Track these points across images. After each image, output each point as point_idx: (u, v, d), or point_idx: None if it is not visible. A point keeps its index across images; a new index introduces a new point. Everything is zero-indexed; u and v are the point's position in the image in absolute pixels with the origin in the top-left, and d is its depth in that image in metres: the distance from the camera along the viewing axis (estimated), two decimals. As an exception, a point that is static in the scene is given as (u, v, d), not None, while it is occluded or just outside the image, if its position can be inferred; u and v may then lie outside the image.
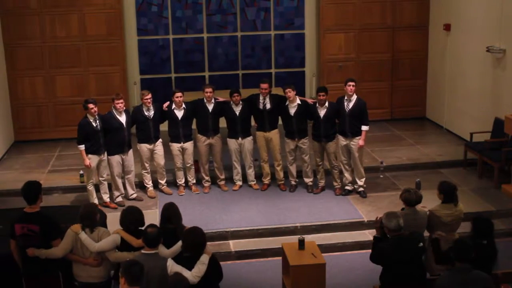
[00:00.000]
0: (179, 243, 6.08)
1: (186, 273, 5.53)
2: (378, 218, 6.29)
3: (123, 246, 6.17)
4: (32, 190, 6.31)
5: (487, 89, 11.03)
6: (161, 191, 10.05)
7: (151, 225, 5.88)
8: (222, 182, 10.20)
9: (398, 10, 13.03)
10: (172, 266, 5.57)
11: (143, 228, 6.25)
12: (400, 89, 13.38)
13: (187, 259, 5.70)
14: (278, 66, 13.24)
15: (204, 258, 5.65)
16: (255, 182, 10.19)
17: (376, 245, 6.20)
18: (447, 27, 12.26)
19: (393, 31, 13.12)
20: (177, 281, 5.10)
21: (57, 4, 12.17)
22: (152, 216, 8.83)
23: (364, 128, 9.56)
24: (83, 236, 6.16)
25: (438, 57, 12.83)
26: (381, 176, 10.57)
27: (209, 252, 5.75)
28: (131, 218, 6.25)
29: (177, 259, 5.81)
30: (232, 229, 8.88)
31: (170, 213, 6.40)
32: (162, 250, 6.02)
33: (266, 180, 10.13)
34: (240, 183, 10.19)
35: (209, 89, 9.69)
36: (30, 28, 12.19)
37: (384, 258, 6.06)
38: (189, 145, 9.86)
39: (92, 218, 6.26)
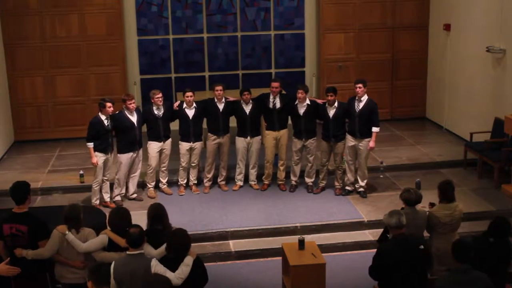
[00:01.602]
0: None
1: (169, 274, 5.51)
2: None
3: (111, 246, 6.18)
4: (21, 191, 6.32)
5: (487, 89, 11.03)
6: (162, 191, 10.05)
7: (134, 225, 5.85)
8: (223, 182, 10.20)
9: (398, 10, 13.03)
10: (156, 267, 5.55)
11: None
12: (400, 89, 13.38)
13: (171, 261, 5.67)
14: (278, 66, 13.24)
15: (188, 260, 5.62)
16: (255, 182, 10.19)
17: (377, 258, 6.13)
18: (447, 27, 12.26)
19: (393, 31, 13.12)
20: (158, 282, 5.08)
21: (57, 4, 12.16)
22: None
23: (375, 129, 9.52)
24: (70, 237, 6.15)
25: (438, 57, 12.83)
26: (381, 176, 10.57)
27: (194, 254, 5.73)
28: (119, 219, 6.25)
29: (161, 260, 5.80)
30: (232, 229, 8.88)
31: (158, 213, 6.36)
32: (150, 250, 6.01)
33: (267, 181, 10.13)
34: (241, 183, 10.18)
35: (219, 87, 9.70)
36: (30, 28, 12.18)
37: (384, 258, 6.04)
38: (198, 145, 9.88)
39: (78, 219, 6.24)
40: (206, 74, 13.10)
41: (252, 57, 13.14)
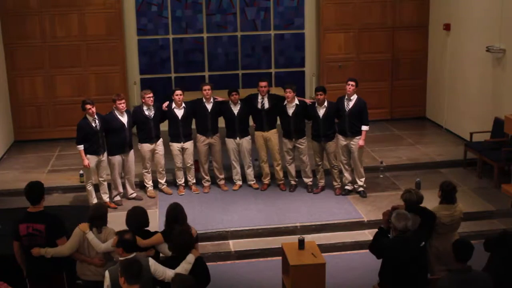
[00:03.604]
0: None
1: (169, 271, 5.55)
2: (387, 212, 6.26)
3: None
4: (36, 191, 6.32)
5: (487, 89, 11.03)
6: (161, 191, 10.06)
7: (126, 231, 5.81)
8: (222, 182, 10.20)
9: (398, 10, 13.03)
10: (155, 266, 5.58)
11: (148, 228, 6.34)
12: (400, 89, 13.38)
13: (173, 260, 5.71)
14: (278, 66, 13.25)
15: (190, 258, 5.66)
16: (254, 182, 10.19)
17: (379, 239, 6.21)
18: (447, 27, 12.26)
19: (393, 31, 13.12)
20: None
21: (57, 4, 12.17)
22: (152, 216, 8.76)
23: (364, 128, 9.55)
24: (90, 235, 6.18)
25: (438, 57, 12.83)
26: (381, 176, 10.57)
27: (196, 253, 5.77)
28: (136, 219, 6.28)
29: (166, 260, 5.82)
30: (232, 229, 8.88)
31: (177, 213, 6.39)
32: (166, 250, 6.04)
33: (266, 180, 10.13)
34: (240, 182, 10.19)
35: (207, 87, 9.69)
36: (30, 28, 12.19)
37: (384, 256, 6.08)
38: (189, 144, 9.87)
39: (103, 219, 6.29)
40: (206, 74, 13.10)
41: (252, 57, 13.15)
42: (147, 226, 6.36)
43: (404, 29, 13.12)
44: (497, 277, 5.79)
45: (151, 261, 5.62)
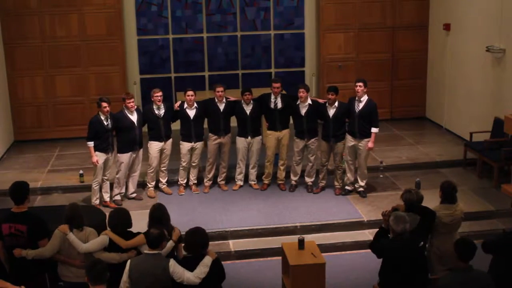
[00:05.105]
0: (169, 243, 6.13)
1: (188, 274, 5.59)
2: (387, 212, 6.27)
3: (112, 247, 6.19)
4: (20, 191, 6.33)
5: (487, 89, 11.03)
6: (161, 190, 10.05)
7: (155, 227, 5.88)
8: (222, 182, 10.20)
9: (398, 10, 13.03)
10: (174, 267, 5.62)
11: (131, 229, 6.33)
12: (400, 89, 13.38)
13: (189, 259, 5.74)
14: (278, 66, 13.24)
15: (207, 261, 5.69)
16: (255, 182, 10.19)
17: (379, 239, 6.21)
18: (447, 27, 12.26)
19: (393, 31, 13.12)
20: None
21: (57, 4, 12.16)
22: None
23: (374, 130, 9.52)
24: (72, 237, 6.17)
25: (438, 57, 12.83)
26: (381, 176, 10.57)
27: (213, 254, 5.79)
28: (118, 220, 6.27)
29: (181, 259, 5.85)
30: (232, 229, 8.89)
31: (160, 214, 6.36)
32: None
33: (267, 180, 10.13)
34: (241, 183, 10.18)
35: (220, 88, 9.70)
36: (30, 28, 12.18)
37: (384, 255, 6.09)
38: (199, 145, 9.88)
39: (79, 219, 6.27)
40: (206, 74, 13.10)
41: (252, 57, 13.14)
42: (130, 227, 6.33)
43: (404, 29, 13.12)
44: (499, 277, 5.79)
45: (171, 262, 5.65)
